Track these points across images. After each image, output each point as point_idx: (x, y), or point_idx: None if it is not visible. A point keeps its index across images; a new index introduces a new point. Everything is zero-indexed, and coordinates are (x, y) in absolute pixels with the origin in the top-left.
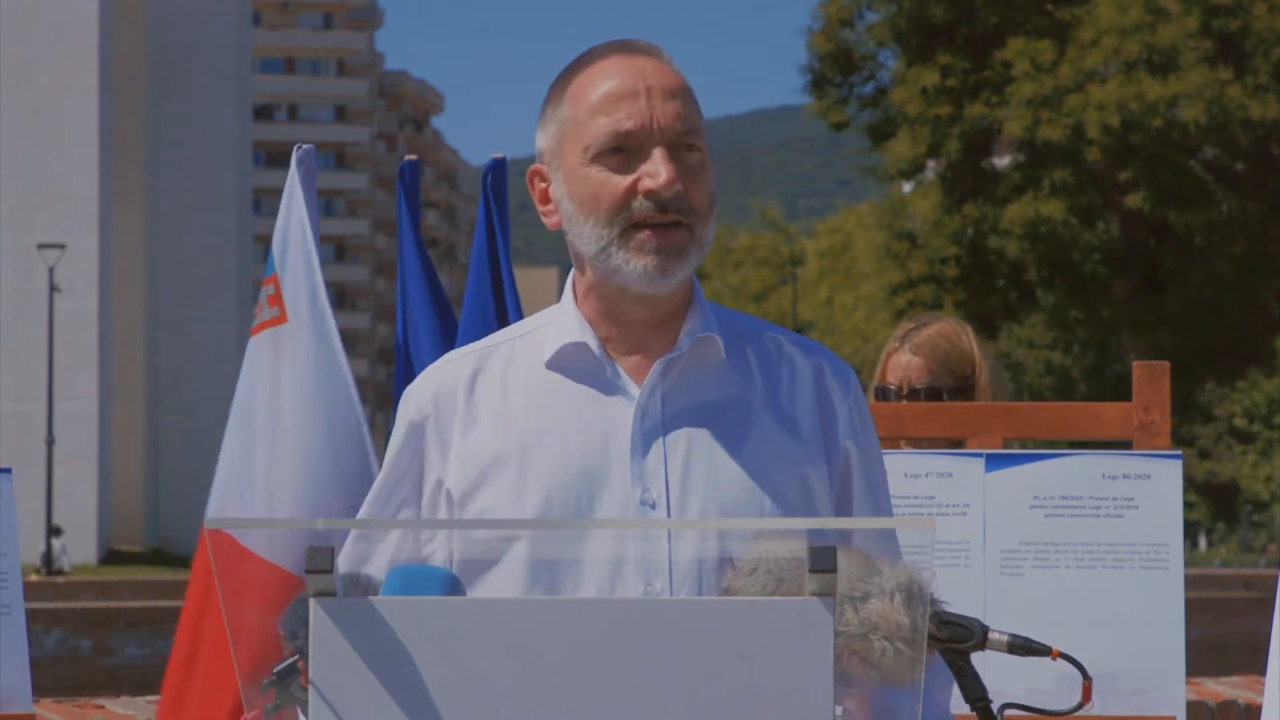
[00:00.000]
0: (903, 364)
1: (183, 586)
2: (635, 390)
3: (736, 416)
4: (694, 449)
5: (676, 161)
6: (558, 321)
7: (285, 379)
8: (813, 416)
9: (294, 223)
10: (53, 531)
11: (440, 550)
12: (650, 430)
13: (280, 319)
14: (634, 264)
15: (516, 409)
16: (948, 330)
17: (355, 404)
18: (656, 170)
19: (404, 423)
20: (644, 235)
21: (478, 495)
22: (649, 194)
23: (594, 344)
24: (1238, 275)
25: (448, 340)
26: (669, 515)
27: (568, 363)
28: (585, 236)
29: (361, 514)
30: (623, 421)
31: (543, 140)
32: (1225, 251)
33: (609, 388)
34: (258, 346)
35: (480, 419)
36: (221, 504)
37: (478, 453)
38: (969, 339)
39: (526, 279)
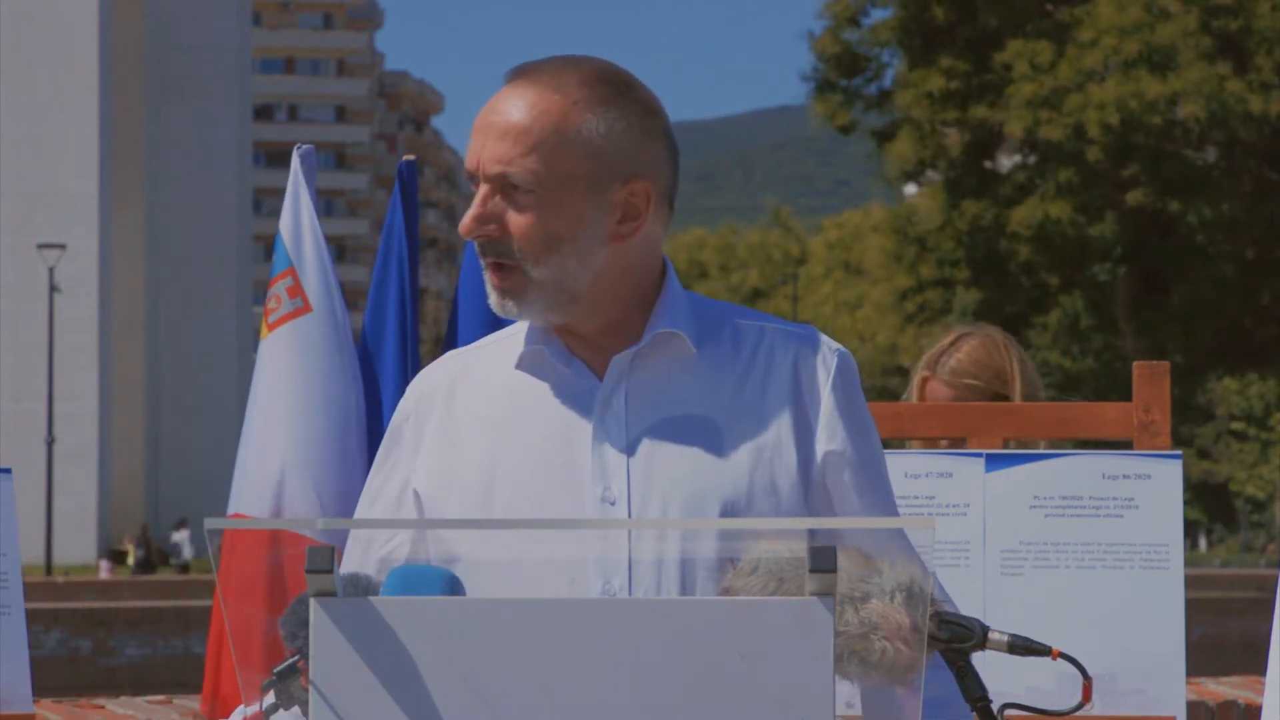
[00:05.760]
0: (937, 395)
1: (182, 586)
2: (598, 387)
3: (701, 412)
4: (656, 445)
5: (506, 201)
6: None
7: (311, 367)
8: (785, 410)
9: (303, 220)
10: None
11: (404, 550)
12: (612, 426)
13: (305, 309)
14: (490, 297)
15: (487, 409)
16: (979, 353)
17: (360, 395)
18: (465, 214)
19: (392, 424)
20: (489, 275)
21: (444, 494)
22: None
23: (558, 343)
24: (1242, 277)
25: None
26: (629, 512)
27: (535, 362)
28: None
29: (356, 516)
30: (584, 418)
31: None
32: (1230, 252)
33: (574, 385)
34: (278, 340)
35: (455, 419)
36: (247, 497)
37: (446, 454)
38: (1002, 354)
39: None
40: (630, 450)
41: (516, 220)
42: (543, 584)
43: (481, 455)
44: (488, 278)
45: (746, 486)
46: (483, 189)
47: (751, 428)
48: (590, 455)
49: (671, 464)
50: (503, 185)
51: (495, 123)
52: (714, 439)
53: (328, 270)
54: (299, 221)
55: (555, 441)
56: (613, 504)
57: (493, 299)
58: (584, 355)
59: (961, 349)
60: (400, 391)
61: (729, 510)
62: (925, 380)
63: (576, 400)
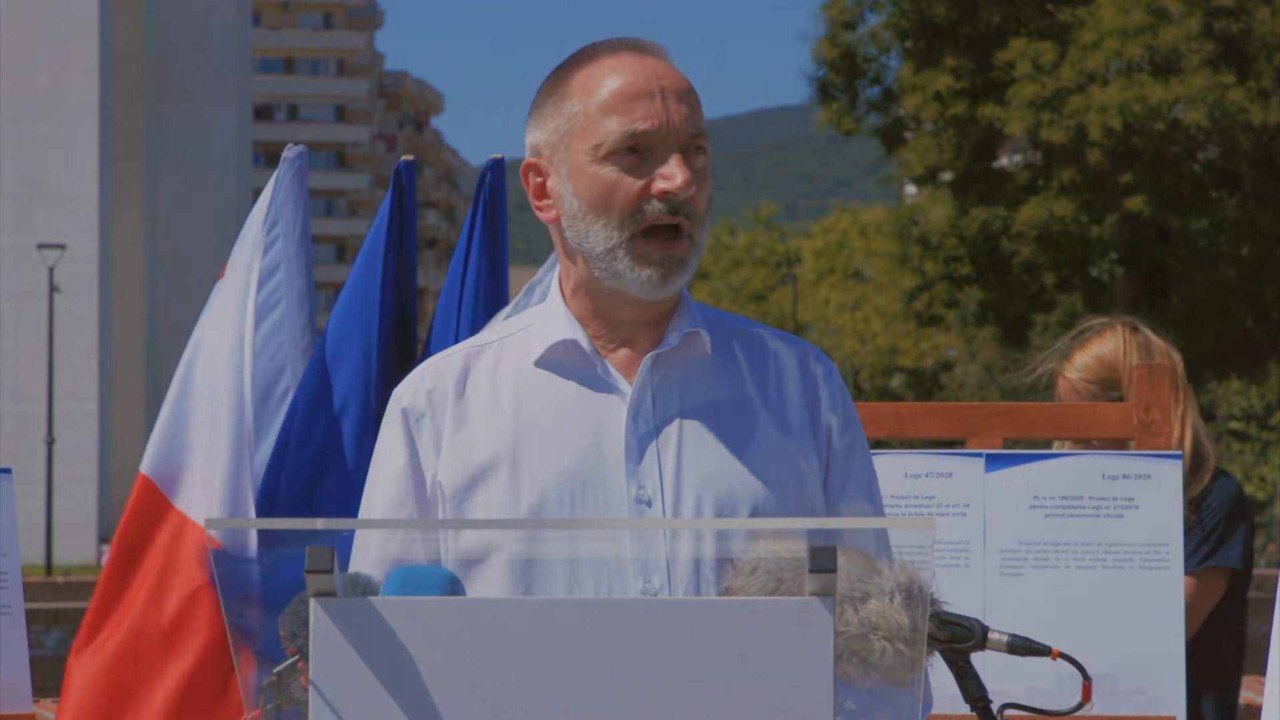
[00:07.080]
0: (1062, 391)
1: None
2: (626, 387)
3: (729, 411)
4: (687, 445)
5: (686, 164)
6: (544, 320)
7: (207, 325)
8: (801, 408)
9: (260, 210)
10: None
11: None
12: (644, 427)
13: (220, 275)
14: (638, 272)
15: (507, 408)
16: (1104, 352)
17: (242, 359)
18: (673, 173)
19: (396, 420)
20: (650, 245)
21: (471, 495)
22: (663, 196)
23: (584, 341)
24: (1242, 278)
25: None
26: (664, 512)
27: (557, 360)
28: (592, 235)
29: (363, 513)
30: (615, 419)
31: (541, 135)
32: (1230, 254)
33: (600, 385)
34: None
35: (471, 418)
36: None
37: (469, 452)
38: (1125, 354)
39: (526, 278)
40: (661, 450)
41: (698, 182)
42: (569, 584)
43: (506, 454)
44: (657, 249)
45: (775, 483)
46: (676, 152)
47: (774, 427)
48: (622, 456)
49: (702, 463)
50: (691, 146)
51: (667, 85)
52: (740, 438)
53: (258, 243)
54: (254, 218)
55: (584, 441)
56: (648, 504)
57: (655, 274)
58: (607, 351)
59: (1089, 346)
60: (364, 392)
61: (759, 507)
62: (1055, 375)
63: (604, 400)
